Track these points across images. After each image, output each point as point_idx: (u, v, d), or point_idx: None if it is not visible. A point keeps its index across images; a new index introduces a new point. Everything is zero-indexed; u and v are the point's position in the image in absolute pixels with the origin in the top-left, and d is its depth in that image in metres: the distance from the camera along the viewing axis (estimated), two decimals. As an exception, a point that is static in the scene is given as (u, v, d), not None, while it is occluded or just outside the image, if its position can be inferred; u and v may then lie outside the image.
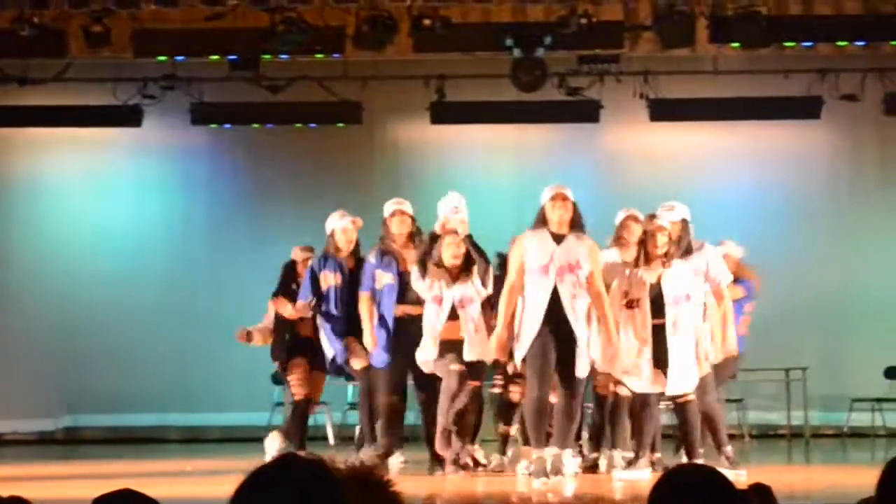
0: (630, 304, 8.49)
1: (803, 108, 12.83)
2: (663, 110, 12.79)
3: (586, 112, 12.75)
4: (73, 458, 11.63)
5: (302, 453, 8.81)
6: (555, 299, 8.12)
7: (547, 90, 12.22)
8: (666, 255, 8.59)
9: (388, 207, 9.40)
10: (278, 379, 12.14)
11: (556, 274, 8.11)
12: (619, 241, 8.76)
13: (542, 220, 8.29)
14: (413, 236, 9.27)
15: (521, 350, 8.20)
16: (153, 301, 13.40)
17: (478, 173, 13.63)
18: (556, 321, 8.11)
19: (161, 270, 13.55)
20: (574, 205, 8.30)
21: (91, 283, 13.45)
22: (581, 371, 8.20)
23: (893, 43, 12.17)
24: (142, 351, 13.25)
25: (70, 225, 13.67)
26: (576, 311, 8.13)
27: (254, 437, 11.13)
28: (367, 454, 8.94)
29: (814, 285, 13.22)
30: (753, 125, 13.34)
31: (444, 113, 12.84)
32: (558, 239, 8.22)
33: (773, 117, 13.08)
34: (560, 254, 8.16)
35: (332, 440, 12.13)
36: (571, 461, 8.31)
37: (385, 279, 9.07)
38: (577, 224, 8.28)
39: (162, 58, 12.30)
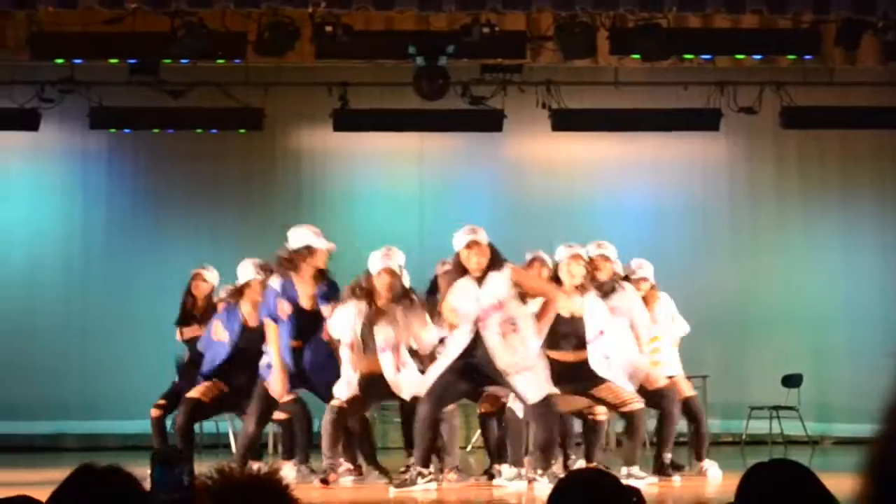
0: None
1: (702, 120, 13.01)
2: (565, 120, 12.90)
3: (489, 121, 12.82)
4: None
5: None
6: (478, 344, 8.16)
7: (450, 99, 12.26)
8: (581, 286, 8.66)
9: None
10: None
11: (481, 317, 8.13)
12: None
13: (459, 268, 8.27)
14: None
15: (427, 379, 8.29)
16: (50, 307, 13.24)
17: (380, 181, 13.65)
18: (476, 364, 8.18)
19: (59, 276, 13.40)
20: (489, 246, 8.26)
21: (-13, 288, 13.25)
22: (532, 396, 8.19)
23: (790, 57, 12.36)
24: (40, 358, 13.06)
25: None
26: (511, 346, 8.14)
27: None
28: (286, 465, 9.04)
29: (713, 295, 13.39)
30: (653, 136, 13.50)
31: (347, 120, 12.83)
32: (479, 281, 8.20)
33: (672, 129, 13.25)
34: (484, 296, 8.16)
35: (234, 448, 12.05)
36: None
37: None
38: (495, 264, 8.25)
39: (60, 60, 12.14)
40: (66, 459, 11.68)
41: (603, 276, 8.95)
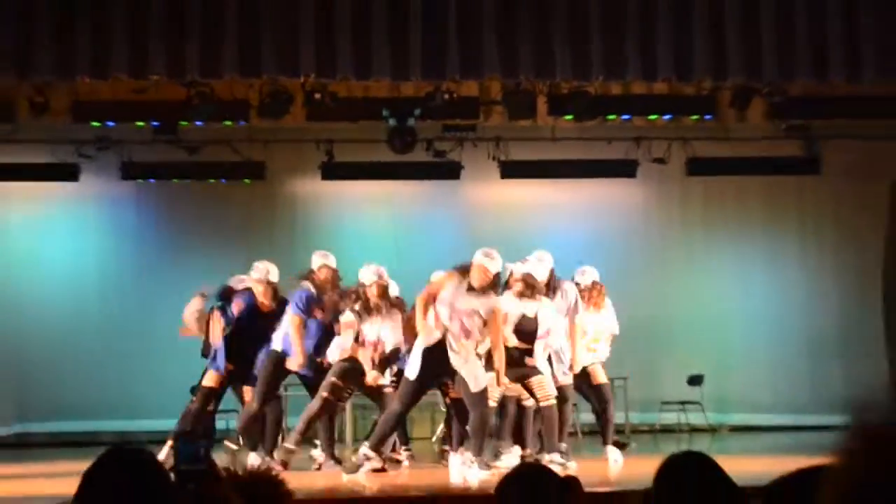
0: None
1: (622, 169, 13.09)
2: (512, 170, 12.99)
3: (449, 171, 12.88)
4: (24, 460, 11.35)
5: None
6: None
7: (417, 153, 12.30)
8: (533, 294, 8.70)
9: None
10: (193, 389, 12.02)
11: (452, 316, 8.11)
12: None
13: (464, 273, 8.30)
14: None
15: (410, 368, 8.25)
16: (91, 325, 13.20)
17: (361, 222, 13.71)
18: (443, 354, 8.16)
19: (96, 300, 13.32)
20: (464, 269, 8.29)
21: (37, 312, 13.15)
22: (475, 387, 8.10)
23: (693, 117, 12.45)
24: (81, 367, 13.01)
25: (21, 262, 13.38)
26: (465, 347, 8.10)
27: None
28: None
29: (633, 310, 13.39)
30: (583, 182, 13.54)
31: (333, 171, 12.88)
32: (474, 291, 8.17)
33: (598, 175, 13.34)
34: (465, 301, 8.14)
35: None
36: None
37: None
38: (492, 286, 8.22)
39: (96, 123, 12.18)
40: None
41: (539, 286, 8.85)
